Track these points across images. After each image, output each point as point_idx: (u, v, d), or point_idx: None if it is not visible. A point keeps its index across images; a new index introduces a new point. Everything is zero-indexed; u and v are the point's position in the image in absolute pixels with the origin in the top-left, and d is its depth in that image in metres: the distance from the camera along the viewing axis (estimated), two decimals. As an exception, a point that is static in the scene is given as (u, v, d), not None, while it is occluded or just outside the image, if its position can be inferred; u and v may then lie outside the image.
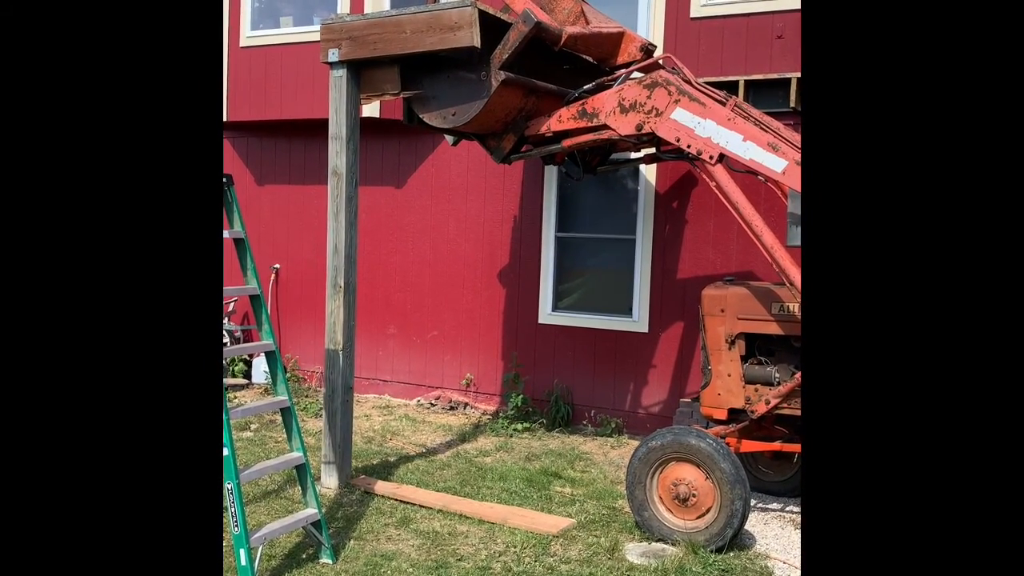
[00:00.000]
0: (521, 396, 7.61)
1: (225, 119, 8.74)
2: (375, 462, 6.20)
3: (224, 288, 4.65)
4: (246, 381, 8.87)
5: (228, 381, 8.62)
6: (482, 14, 4.91)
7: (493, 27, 4.99)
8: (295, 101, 8.27)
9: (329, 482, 5.50)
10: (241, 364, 8.99)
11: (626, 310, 7.36)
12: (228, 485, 3.92)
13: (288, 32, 8.36)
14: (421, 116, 5.47)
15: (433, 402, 8.20)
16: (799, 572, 4.42)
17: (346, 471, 5.58)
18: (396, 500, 5.32)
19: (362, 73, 5.45)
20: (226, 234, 4.38)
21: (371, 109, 7.65)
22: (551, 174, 7.59)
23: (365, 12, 7.64)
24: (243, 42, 8.56)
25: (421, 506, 5.22)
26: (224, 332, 8.75)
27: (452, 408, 8.06)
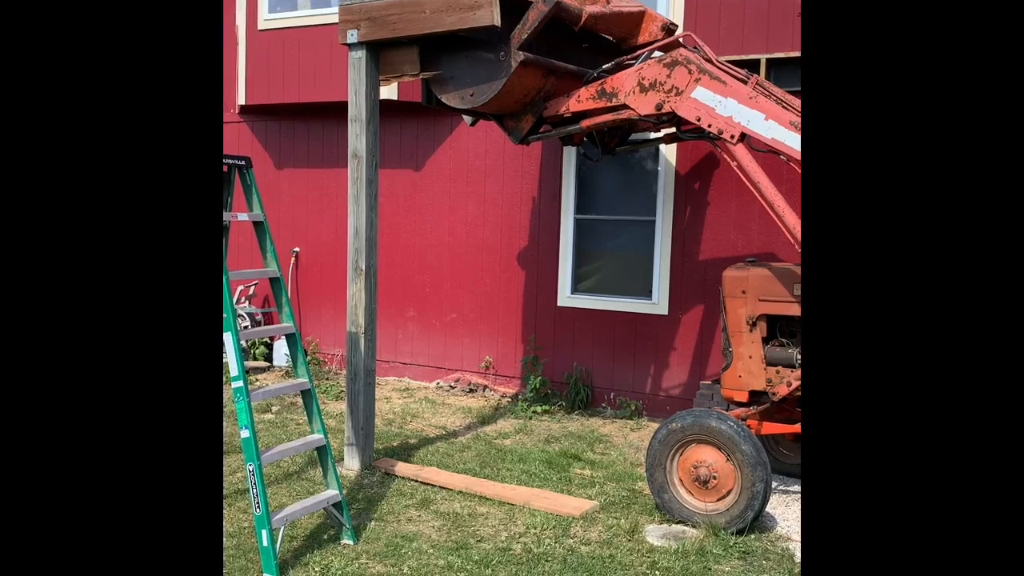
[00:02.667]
0: (540, 379, 7.60)
1: (243, 103, 8.76)
2: (395, 444, 6.23)
3: (244, 271, 4.66)
4: (267, 364, 8.93)
5: (249, 364, 8.68)
6: (501, -7, 4.86)
7: (513, 6, 4.94)
8: (313, 84, 8.26)
9: (351, 464, 5.53)
10: (262, 347, 9.04)
11: (646, 292, 7.33)
12: (250, 466, 3.95)
13: (306, 14, 8.34)
14: (440, 97, 5.44)
15: (452, 385, 8.22)
16: (821, 554, 4.40)
17: (368, 453, 5.61)
18: (418, 482, 5.34)
19: (381, 54, 5.42)
20: (245, 217, 4.39)
21: (389, 91, 7.63)
22: (570, 155, 7.55)
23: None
24: (261, 25, 8.55)
25: (442, 488, 5.24)
26: (244, 315, 8.81)
27: (471, 391, 8.08)
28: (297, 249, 9.07)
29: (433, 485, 5.29)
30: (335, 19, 7.80)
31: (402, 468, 5.52)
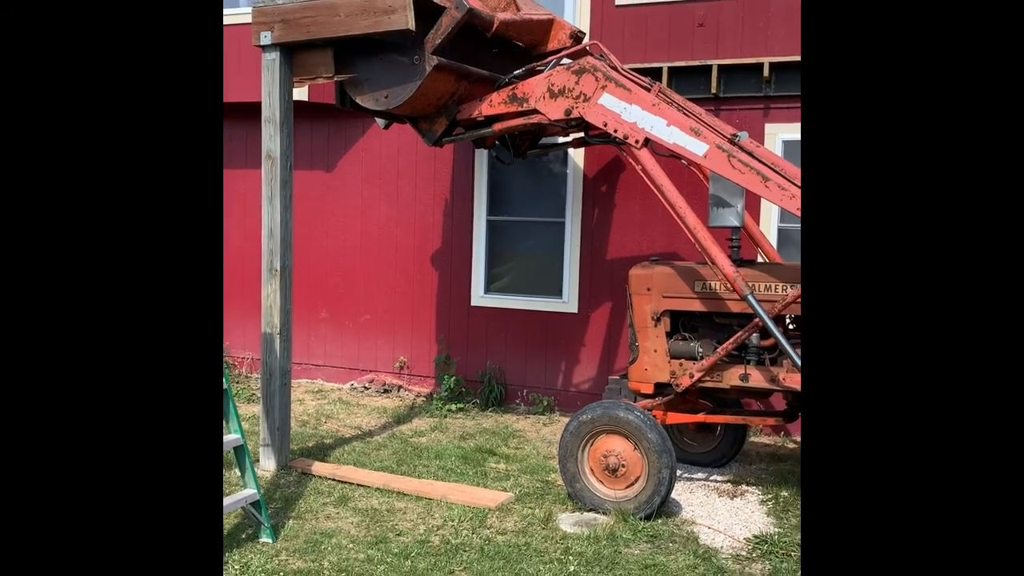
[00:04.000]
0: (454, 378, 7.72)
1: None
2: (311, 444, 6.24)
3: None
4: (174, 368, 8.74)
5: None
6: (416, -2, 4.97)
7: (427, 11, 5.06)
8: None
9: (267, 465, 5.53)
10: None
11: (556, 291, 7.55)
12: (167, 467, 3.94)
13: (213, 13, 8.21)
14: (354, 98, 5.51)
15: (367, 385, 8.24)
16: (723, 536, 4.68)
17: (284, 454, 5.61)
18: (335, 480, 5.39)
19: (295, 56, 5.45)
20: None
21: (300, 93, 7.61)
22: (482, 158, 7.70)
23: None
24: (166, 23, 8.37)
25: (360, 485, 5.30)
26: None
27: (386, 391, 8.13)
28: (205, 251, 8.92)
29: (350, 483, 5.34)
30: (243, 19, 7.76)
31: (319, 467, 5.55)
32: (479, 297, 7.82)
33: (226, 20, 8.04)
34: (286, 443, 5.66)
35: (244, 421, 6.72)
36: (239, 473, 4.63)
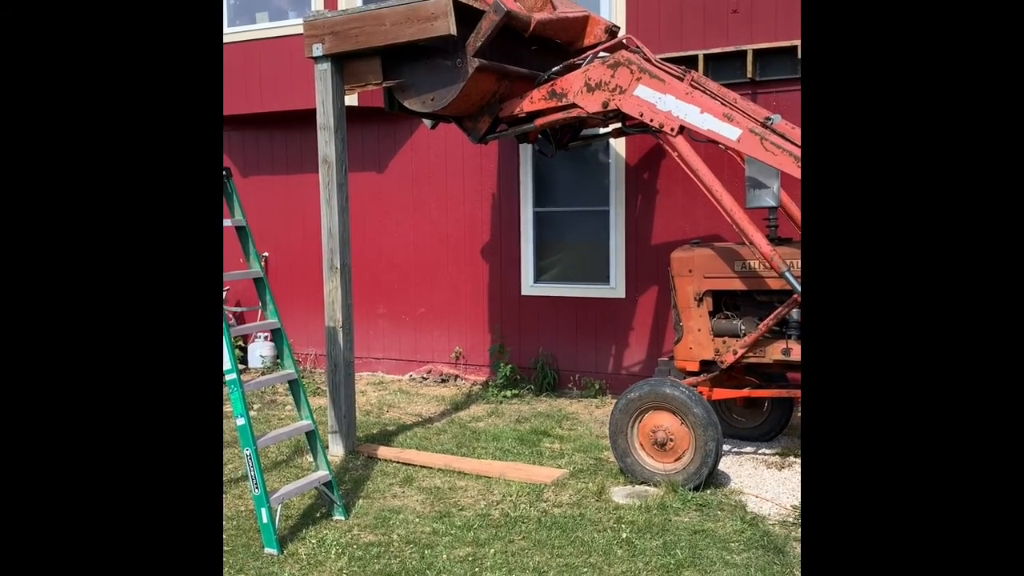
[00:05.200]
0: (509, 365, 8.01)
1: (208, 114, 9.00)
2: (375, 431, 6.59)
3: (229, 272, 5.00)
4: (242, 367, 9.21)
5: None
6: (456, 3, 5.24)
7: (467, 16, 5.34)
8: (275, 94, 8.56)
9: (335, 450, 5.89)
10: (237, 350, 9.31)
11: (604, 278, 7.77)
12: (247, 451, 4.31)
13: (265, 27, 8.63)
14: (402, 102, 5.82)
15: (425, 376, 8.59)
16: (770, 504, 4.88)
17: (351, 439, 5.97)
18: (399, 463, 5.73)
19: (345, 65, 5.78)
20: (229, 223, 4.74)
21: (350, 98, 7.96)
22: (526, 152, 7.96)
23: (339, 8, 7.95)
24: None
25: (423, 467, 5.63)
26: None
27: (444, 381, 8.46)
28: (266, 254, 9.37)
29: (414, 465, 5.67)
30: (293, 31, 8.15)
31: (384, 451, 5.90)
32: (529, 286, 8.09)
33: (280, 32, 8.45)
34: (352, 430, 6.02)
35: (312, 412, 7.12)
36: (311, 458, 5.00)
